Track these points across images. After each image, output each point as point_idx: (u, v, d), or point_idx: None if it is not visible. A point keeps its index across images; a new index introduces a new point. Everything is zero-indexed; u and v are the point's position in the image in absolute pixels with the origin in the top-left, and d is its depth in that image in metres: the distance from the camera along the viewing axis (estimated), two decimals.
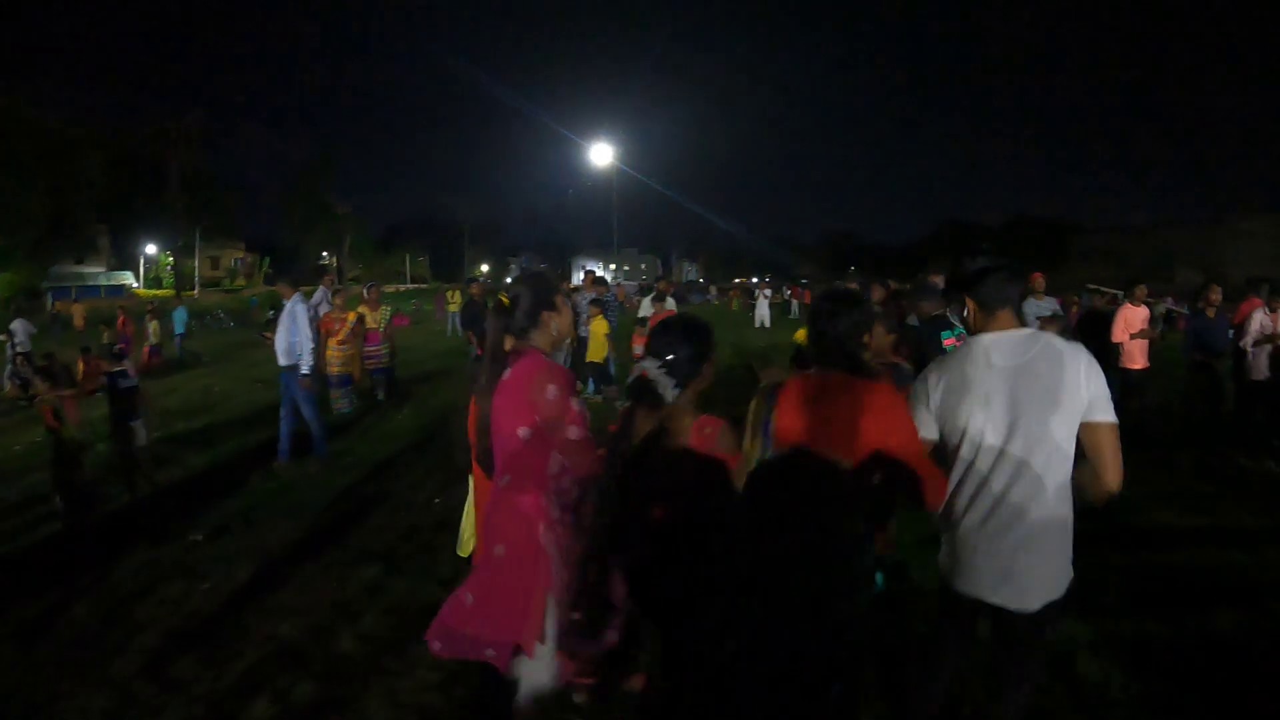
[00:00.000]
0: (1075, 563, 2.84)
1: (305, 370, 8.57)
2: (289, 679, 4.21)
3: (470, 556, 4.06)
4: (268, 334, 10.10)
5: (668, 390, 2.89)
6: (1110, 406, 2.71)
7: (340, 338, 11.54)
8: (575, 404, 3.05)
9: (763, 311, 32.81)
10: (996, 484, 2.77)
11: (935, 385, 2.94)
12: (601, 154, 47.25)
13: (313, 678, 4.23)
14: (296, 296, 8.88)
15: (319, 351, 10.45)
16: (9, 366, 16.32)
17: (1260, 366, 9.06)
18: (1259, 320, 9.10)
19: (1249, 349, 9.12)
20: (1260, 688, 4.03)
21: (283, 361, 8.70)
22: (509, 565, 3.02)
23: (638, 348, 11.36)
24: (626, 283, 45.14)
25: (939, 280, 7.18)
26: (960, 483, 2.87)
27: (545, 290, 3.26)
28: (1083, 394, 2.69)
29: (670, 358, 2.90)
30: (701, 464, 2.86)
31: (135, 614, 5.03)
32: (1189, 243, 64.40)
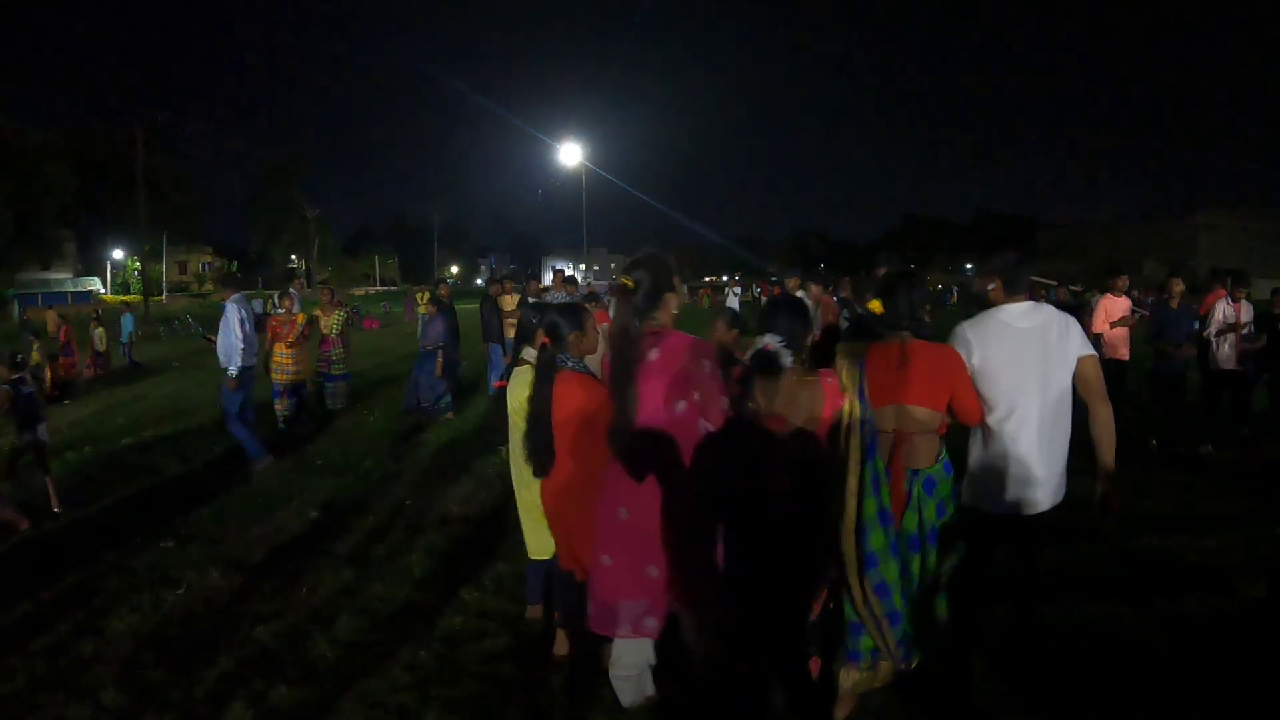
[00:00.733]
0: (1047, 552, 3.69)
1: (232, 372, 8.41)
2: (263, 684, 4.18)
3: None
4: (210, 336, 9.77)
5: (785, 360, 3.40)
6: (1089, 344, 3.77)
7: (290, 340, 10.81)
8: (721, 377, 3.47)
9: (733, 308, 32.77)
10: (1029, 415, 3.66)
11: (975, 345, 3.73)
12: (570, 154, 47.17)
13: (287, 682, 4.20)
14: (232, 298, 8.76)
15: (266, 357, 10.38)
16: None
17: (1225, 356, 9.23)
18: (1221, 310, 9.31)
19: (1212, 338, 9.30)
20: (1230, 669, 4.11)
21: (223, 364, 8.58)
22: (662, 534, 3.35)
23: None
24: (597, 282, 45.10)
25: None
26: (1000, 418, 3.69)
27: (665, 271, 3.51)
28: (1074, 343, 3.71)
29: (782, 333, 3.44)
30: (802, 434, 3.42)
31: (107, 622, 4.97)
32: (1155, 237, 65.08)
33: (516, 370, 4.38)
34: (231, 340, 8.44)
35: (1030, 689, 3.89)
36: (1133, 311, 9.77)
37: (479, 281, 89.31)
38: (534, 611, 4.77)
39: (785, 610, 3.46)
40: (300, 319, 11.10)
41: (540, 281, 12.78)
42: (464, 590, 5.22)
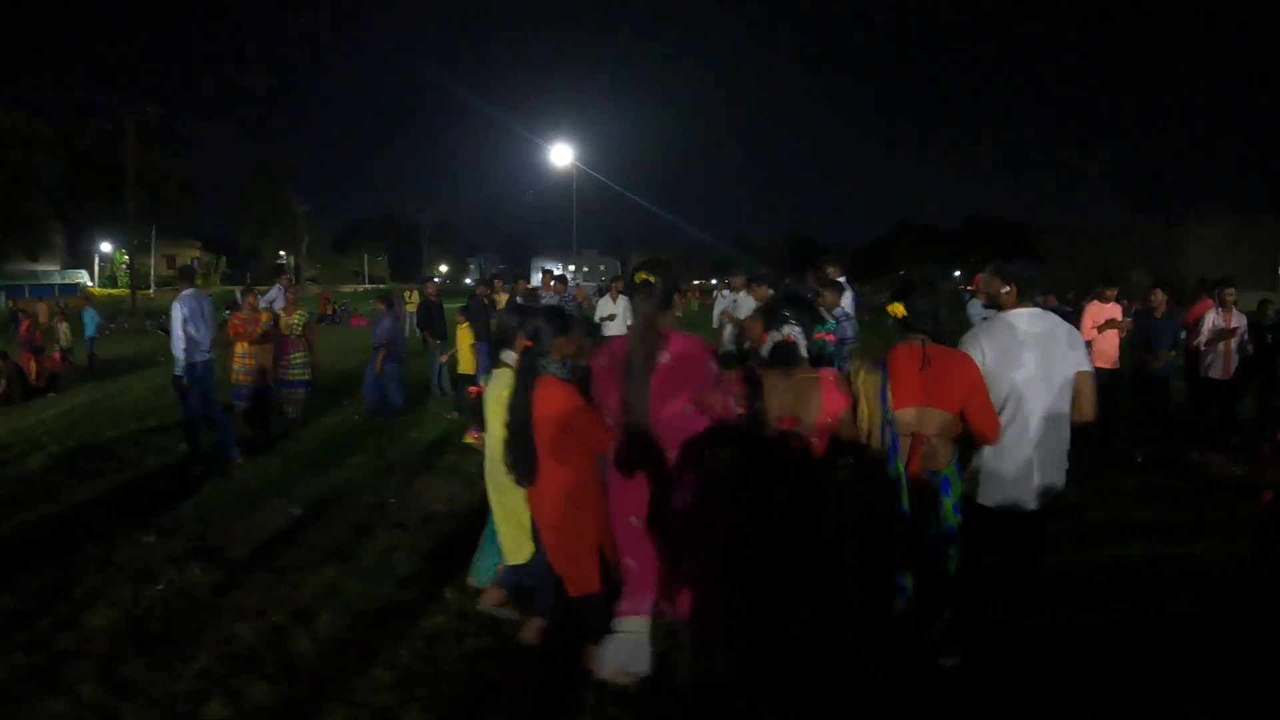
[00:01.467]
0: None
1: (177, 372, 8.20)
2: (243, 681, 4.16)
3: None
4: (165, 331, 9.33)
5: (803, 350, 3.55)
6: (1089, 359, 3.93)
7: (253, 339, 9.99)
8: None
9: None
10: (1035, 417, 3.78)
11: (987, 347, 3.83)
12: (561, 155, 47.16)
13: (267, 679, 4.18)
14: (181, 295, 8.43)
15: (226, 358, 10.01)
16: None
17: (1217, 365, 9.29)
18: (1210, 320, 9.37)
19: (1202, 348, 9.37)
20: (1215, 673, 4.11)
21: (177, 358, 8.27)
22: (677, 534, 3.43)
23: None
24: (586, 284, 45.05)
25: (838, 273, 7.92)
26: (1006, 419, 3.78)
27: (671, 274, 3.57)
28: (1078, 355, 3.85)
29: (803, 325, 3.61)
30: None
31: (87, 616, 4.93)
32: (1143, 246, 65.33)
33: (495, 373, 4.28)
34: (174, 339, 8.20)
35: (1017, 693, 3.89)
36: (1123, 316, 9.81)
37: (468, 281, 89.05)
38: (495, 597, 4.75)
39: (792, 606, 3.60)
40: (265, 317, 10.33)
41: (529, 282, 12.73)
42: (446, 590, 5.19)
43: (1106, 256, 59.54)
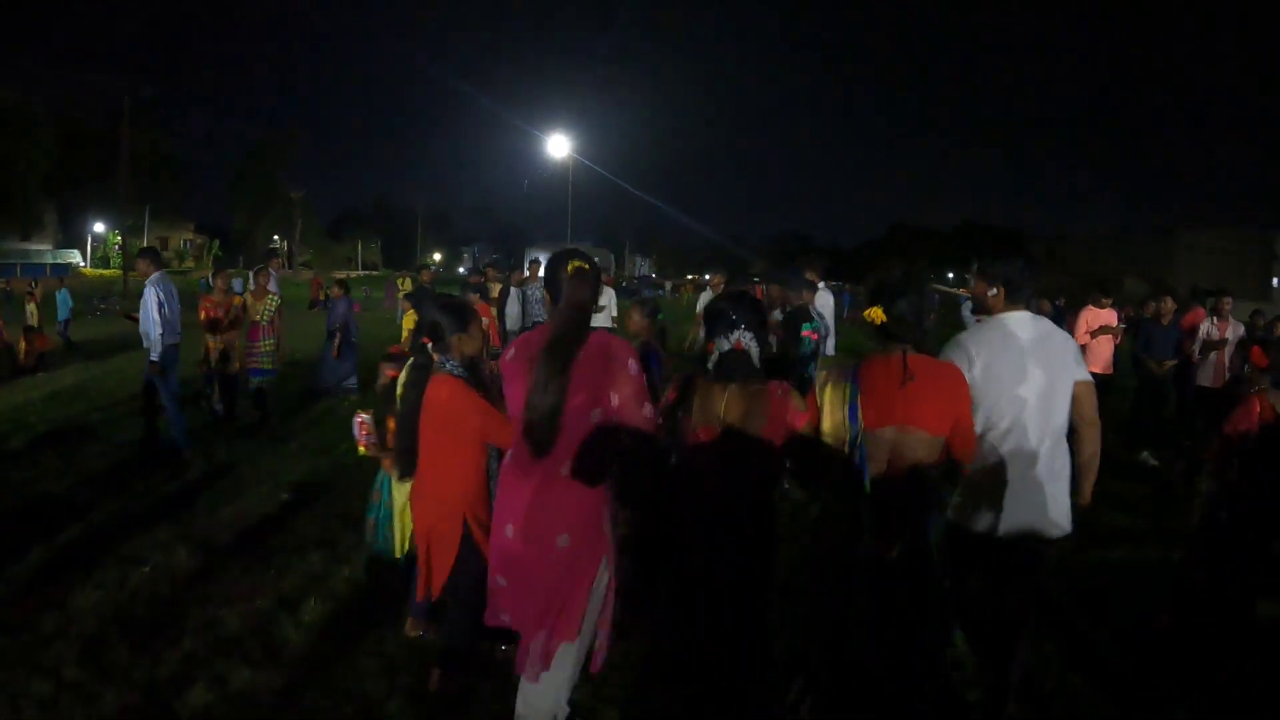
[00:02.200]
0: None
1: (153, 357, 8.05)
2: (227, 666, 4.15)
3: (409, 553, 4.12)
4: (132, 315, 9.06)
5: (755, 359, 3.10)
6: (1085, 367, 3.63)
7: (226, 323, 9.85)
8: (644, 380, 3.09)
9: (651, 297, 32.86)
10: (1033, 431, 3.43)
11: (975, 355, 3.48)
12: (558, 146, 47.23)
13: (251, 665, 4.18)
14: (154, 277, 8.26)
15: (199, 343, 9.94)
16: None
17: (1208, 373, 9.38)
18: (1204, 329, 9.47)
19: (1195, 357, 9.47)
20: (1201, 679, 4.16)
21: (146, 345, 8.19)
22: (568, 557, 2.97)
23: None
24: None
25: (816, 276, 7.91)
26: (1003, 432, 3.45)
27: (596, 266, 3.25)
28: (1074, 363, 3.56)
29: (754, 330, 3.12)
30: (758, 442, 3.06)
31: (71, 598, 4.91)
32: (1136, 253, 65.37)
33: (411, 364, 4.10)
34: (149, 324, 8.06)
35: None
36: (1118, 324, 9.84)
37: (461, 270, 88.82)
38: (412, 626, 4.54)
39: (734, 634, 3.14)
40: (237, 300, 10.12)
41: (523, 272, 12.66)
42: None
43: (1099, 263, 59.60)
